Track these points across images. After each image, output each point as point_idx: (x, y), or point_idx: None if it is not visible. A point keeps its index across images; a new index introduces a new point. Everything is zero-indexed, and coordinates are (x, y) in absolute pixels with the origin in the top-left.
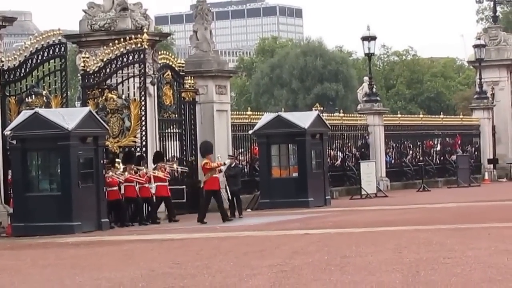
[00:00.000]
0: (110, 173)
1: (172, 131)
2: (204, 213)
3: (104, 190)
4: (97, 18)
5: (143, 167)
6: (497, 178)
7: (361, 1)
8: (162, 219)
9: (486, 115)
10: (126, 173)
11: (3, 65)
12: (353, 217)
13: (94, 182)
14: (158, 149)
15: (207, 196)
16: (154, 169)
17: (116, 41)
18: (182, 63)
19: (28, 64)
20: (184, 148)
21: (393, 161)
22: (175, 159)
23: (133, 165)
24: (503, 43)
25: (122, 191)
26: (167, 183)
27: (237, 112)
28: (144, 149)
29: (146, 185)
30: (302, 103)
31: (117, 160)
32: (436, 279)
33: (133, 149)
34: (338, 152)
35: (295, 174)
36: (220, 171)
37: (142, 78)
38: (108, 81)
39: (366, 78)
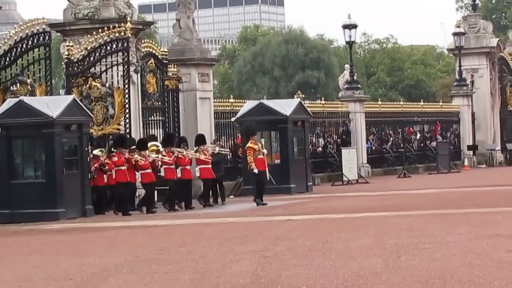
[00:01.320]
0: (136, 155)
1: (155, 118)
2: (261, 195)
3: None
4: (81, 7)
5: (183, 150)
6: (476, 164)
7: None
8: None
9: (466, 102)
10: (159, 155)
11: None
12: (335, 203)
13: (78, 169)
14: (141, 137)
15: (256, 177)
16: (196, 151)
17: (100, 30)
18: (165, 52)
19: (13, 52)
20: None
21: (374, 147)
22: (217, 142)
23: (172, 148)
24: (483, 31)
25: (162, 173)
26: (210, 166)
27: (220, 100)
28: (128, 136)
29: (188, 167)
30: (284, 90)
31: (151, 143)
32: (417, 264)
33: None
34: (320, 139)
35: (277, 161)
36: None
37: (125, 66)
38: (92, 70)
39: (347, 66)
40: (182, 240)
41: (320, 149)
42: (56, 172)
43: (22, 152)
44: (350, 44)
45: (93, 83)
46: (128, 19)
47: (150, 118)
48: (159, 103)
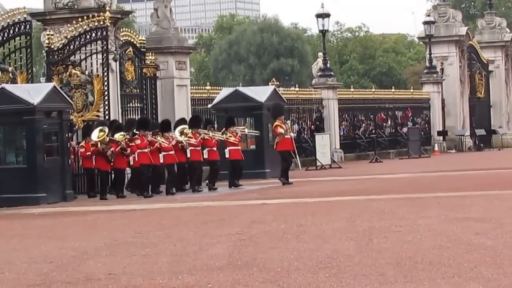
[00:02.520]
0: (158, 138)
1: (134, 105)
2: (287, 174)
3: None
4: None
5: (209, 131)
6: (446, 150)
7: None
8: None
9: (436, 89)
10: (184, 136)
11: None
12: (309, 187)
13: (59, 155)
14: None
15: (284, 156)
16: (222, 133)
17: (80, 19)
18: (143, 40)
19: None
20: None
21: (346, 133)
22: (246, 124)
23: (199, 129)
24: (452, 20)
25: (189, 155)
26: (239, 147)
27: (197, 87)
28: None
29: (214, 148)
30: (259, 78)
31: (181, 126)
32: (388, 246)
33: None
34: (294, 125)
35: (252, 147)
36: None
37: (104, 55)
38: (72, 58)
39: (320, 54)
40: (160, 223)
41: (294, 135)
42: (37, 158)
43: (4, 138)
44: (323, 32)
45: (73, 71)
46: (107, 8)
47: (128, 105)
48: (137, 90)
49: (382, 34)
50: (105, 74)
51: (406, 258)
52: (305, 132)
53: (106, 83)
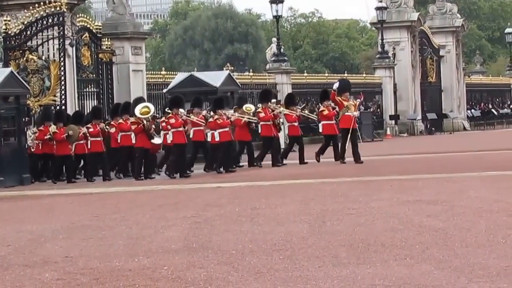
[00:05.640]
0: (192, 116)
1: (90, 90)
2: (343, 152)
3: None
4: None
5: (278, 106)
6: (398, 133)
7: None
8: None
9: (388, 74)
10: (235, 113)
11: None
12: (262, 171)
13: (16, 139)
14: (76, 108)
15: (344, 134)
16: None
17: (36, 5)
18: (99, 26)
19: None
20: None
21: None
22: (307, 104)
23: (269, 103)
24: (404, 6)
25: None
26: (334, 121)
27: (152, 72)
28: (63, 107)
29: (295, 124)
30: (214, 63)
31: (246, 104)
32: (341, 228)
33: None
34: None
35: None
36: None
37: (61, 40)
38: (29, 43)
39: (274, 39)
40: (116, 207)
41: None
42: None
43: None
44: (277, 18)
45: (30, 56)
46: None
47: (85, 90)
48: (94, 75)
49: (335, 20)
50: (62, 59)
51: (359, 240)
52: None
53: (62, 68)
